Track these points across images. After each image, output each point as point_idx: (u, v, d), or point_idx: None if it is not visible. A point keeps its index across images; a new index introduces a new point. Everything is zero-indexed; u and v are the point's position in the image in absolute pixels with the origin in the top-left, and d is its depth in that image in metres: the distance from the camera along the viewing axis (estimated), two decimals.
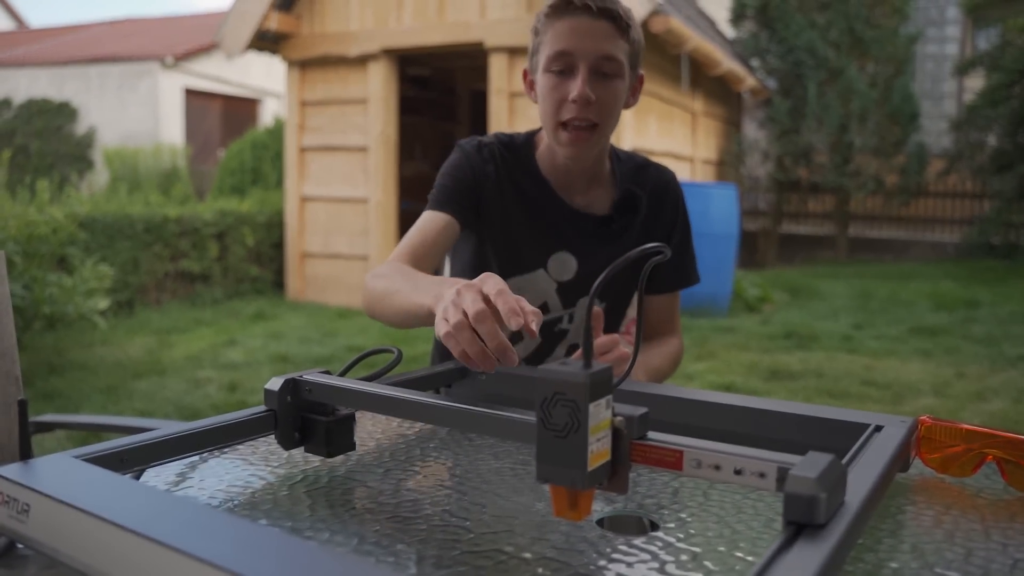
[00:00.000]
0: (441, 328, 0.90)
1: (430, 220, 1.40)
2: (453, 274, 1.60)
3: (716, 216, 6.30)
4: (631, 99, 1.45)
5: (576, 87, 1.32)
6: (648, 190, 1.52)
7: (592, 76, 1.33)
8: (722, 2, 10.63)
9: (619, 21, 1.33)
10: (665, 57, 6.99)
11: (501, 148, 1.48)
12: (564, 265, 1.48)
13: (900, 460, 0.82)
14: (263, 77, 14.45)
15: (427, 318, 1.04)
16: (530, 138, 1.51)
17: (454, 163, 1.47)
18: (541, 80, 1.38)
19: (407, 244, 1.39)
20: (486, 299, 0.88)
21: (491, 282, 0.90)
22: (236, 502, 0.80)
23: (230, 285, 7.41)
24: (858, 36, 9.60)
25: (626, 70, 1.37)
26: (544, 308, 1.49)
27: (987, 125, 9.86)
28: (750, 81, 9.07)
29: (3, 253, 1.46)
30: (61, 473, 0.69)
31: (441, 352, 1.67)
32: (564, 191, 1.48)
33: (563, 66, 1.34)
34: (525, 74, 1.46)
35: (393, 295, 1.19)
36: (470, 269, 1.52)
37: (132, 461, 0.78)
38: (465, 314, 0.88)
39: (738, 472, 0.65)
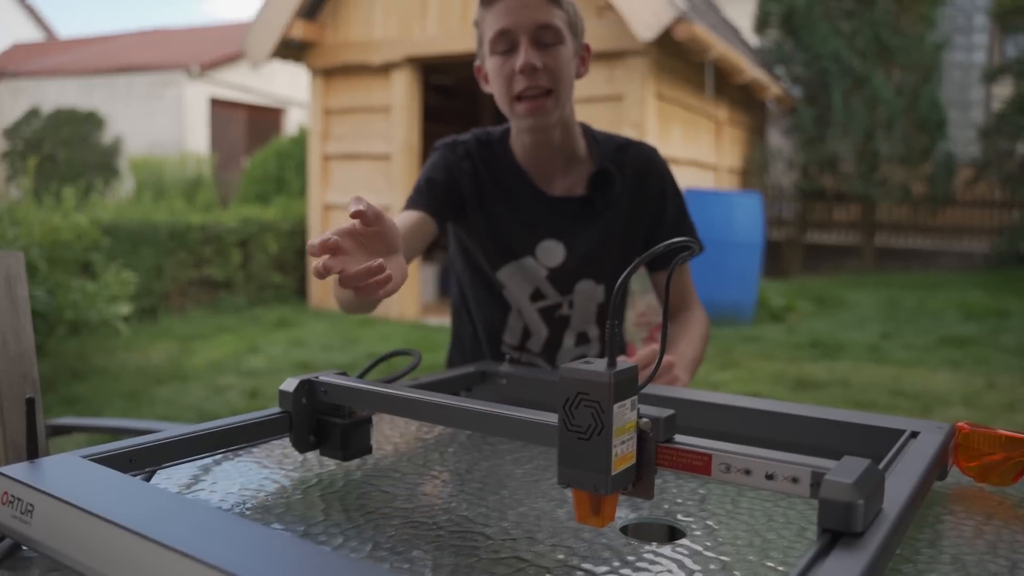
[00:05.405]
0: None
1: (404, 218, 1.43)
2: (451, 266, 1.63)
3: (740, 225, 6.24)
4: (581, 68, 1.46)
5: (520, 57, 1.34)
6: (630, 169, 1.51)
7: (534, 46, 1.35)
8: (746, 10, 10.56)
9: None
10: (689, 65, 6.94)
11: (477, 144, 1.50)
12: (552, 252, 1.48)
13: (938, 467, 0.79)
14: (288, 86, 14.54)
15: None
16: (505, 132, 1.52)
17: (430, 163, 1.50)
18: (489, 65, 1.40)
19: None
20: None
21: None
22: (248, 505, 0.78)
23: (253, 292, 7.44)
24: (884, 44, 9.49)
25: (567, 37, 1.38)
26: (537, 294, 1.50)
27: (1016, 133, 9.70)
28: (775, 89, 9.00)
29: (21, 254, 1.44)
30: (67, 473, 0.67)
31: (455, 357, 1.67)
32: (543, 179, 1.49)
33: (506, 44, 1.36)
34: (478, 69, 1.47)
35: None
36: (461, 258, 1.56)
37: (141, 462, 0.76)
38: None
39: (769, 477, 0.62)
